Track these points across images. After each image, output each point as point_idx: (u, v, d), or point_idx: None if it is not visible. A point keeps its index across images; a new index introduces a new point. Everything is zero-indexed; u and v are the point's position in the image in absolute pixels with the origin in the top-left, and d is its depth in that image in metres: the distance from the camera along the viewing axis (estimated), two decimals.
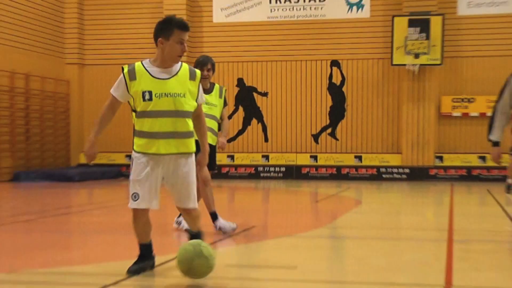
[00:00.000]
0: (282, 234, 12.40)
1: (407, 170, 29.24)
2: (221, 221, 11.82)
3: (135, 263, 7.55)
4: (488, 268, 8.58)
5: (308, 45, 30.18)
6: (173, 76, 7.32)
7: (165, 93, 7.20)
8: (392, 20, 28.72)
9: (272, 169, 30.16)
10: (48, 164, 29.81)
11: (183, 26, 7.22)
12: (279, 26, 30.45)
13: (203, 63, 11.58)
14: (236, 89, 30.81)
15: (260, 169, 30.24)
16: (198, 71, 7.69)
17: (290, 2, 30.41)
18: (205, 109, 10.68)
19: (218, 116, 11.72)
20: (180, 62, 7.43)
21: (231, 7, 30.73)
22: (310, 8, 30.36)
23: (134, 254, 7.96)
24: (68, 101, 31.19)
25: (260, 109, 30.73)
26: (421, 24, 28.38)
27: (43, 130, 29.75)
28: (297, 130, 30.54)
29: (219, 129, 11.85)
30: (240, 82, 30.83)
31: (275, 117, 30.73)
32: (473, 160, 28.45)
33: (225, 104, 12.04)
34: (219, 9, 30.85)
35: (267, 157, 30.31)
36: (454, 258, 9.34)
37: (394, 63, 28.89)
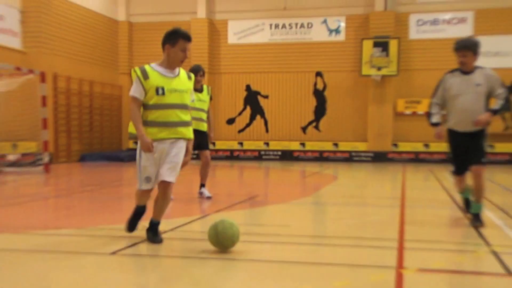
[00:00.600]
0: (279, 201, 12.43)
1: (371, 154, 29.22)
2: (204, 190, 12.25)
3: (134, 219, 7.39)
4: (430, 226, 8.67)
5: (299, 60, 30.19)
6: (176, 76, 7.08)
7: (174, 89, 6.96)
8: (361, 42, 28.71)
9: (271, 152, 30.13)
10: (106, 148, 29.85)
11: (186, 37, 6.99)
12: (277, 46, 30.42)
13: (197, 70, 11.73)
14: (245, 93, 30.86)
15: (262, 152, 30.21)
16: (192, 74, 7.50)
17: (286, 28, 30.36)
18: (198, 104, 11.60)
19: (206, 108, 12.01)
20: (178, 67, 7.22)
21: (241, 32, 30.71)
22: (301, 33, 30.31)
23: (167, 213, 8.05)
24: (120, 101, 31.22)
25: (263, 108, 30.73)
26: (382, 45, 28.38)
27: (102, 123, 29.83)
28: (290, 124, 30.53)
29: (207, 117, 12.19)
30: (248, 87, 30.83)
31: (273, 114, 30.72)
32: (419, 147, 28.44)
33: (211, 99, 12.36)
34: (233, 33, 30.82)
35: (267, 144, 30.28)
36: (405, 219, 9.46)
37: (362, 74, 28.86)
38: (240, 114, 31.11)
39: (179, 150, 7.15)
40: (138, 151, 7.11)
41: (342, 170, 22.58)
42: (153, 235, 7.19)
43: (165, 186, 7.10)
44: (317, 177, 19.45)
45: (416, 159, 28.51)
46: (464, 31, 28.45)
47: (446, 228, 9.15)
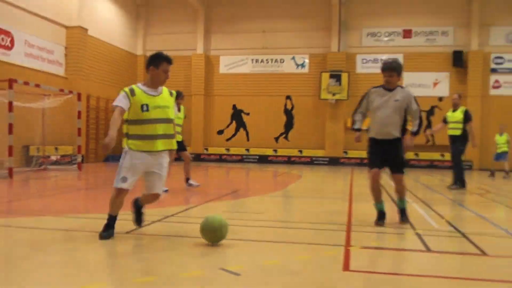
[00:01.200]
0: (256, 194, 12.44)
1: (327, 159, 29.25)
2: (192, 181, 12.55)
3: (105, 230, 6.19)
4: (371, 215, 8.66)
5: (273, 86, 30.24)
6: (159, 94, 6.31)
7: (158, 105, 6.19)
8: (320, 74, 28.84)
9: (251, 157, 30.07)
10: None
11: (168, 60, 6.35)
12: (257, 75, 30.46)
13: (178, 95, 11.78)
14: (232, 111, 30.83)
15: (244, 157, 30.15)
16: (174, 91, 6.74)
17: (264, 62, 30.45)
18: (176, 120, 11.51)
19: (181, 123, 12.17)
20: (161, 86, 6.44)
21: (230, 64, 30.73)
22: (275, 66, 30.38)
23: (168, 202, 7.97)
24: None
25: (245, 122, 30.71)
26: (336, 76, 28.54)
27: (121, 131, 29.53)
28: (266, 135, 30.50)
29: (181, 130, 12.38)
30: (234, 106, 30.78)
31: (253, 127, 30.68)
32: (364, 154, 28.37)
33: (185, 117, 12.53)
34: (224, 65, 30.82)
35: (248, 150, 30.26)
36: (352, 209, 9.48)
37: (321, 98, 28.97)
38: (227, 127, 31.03)
39: (164, 162, 6.41)
40: (123, 153, 6.32)
41: (305, 171, 22.60)
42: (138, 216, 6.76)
43: (155, 196, 6.52)
44: (286, 176, 19.45)
45: (362, 163, 28.39)
46: None
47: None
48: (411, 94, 7.67)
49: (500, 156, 21.72)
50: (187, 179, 12.54)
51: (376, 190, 7.76)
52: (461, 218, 8.95)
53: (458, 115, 14.07)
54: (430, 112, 28.41)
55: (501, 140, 21.75)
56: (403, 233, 6.99)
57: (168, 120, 6.30)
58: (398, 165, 7.73)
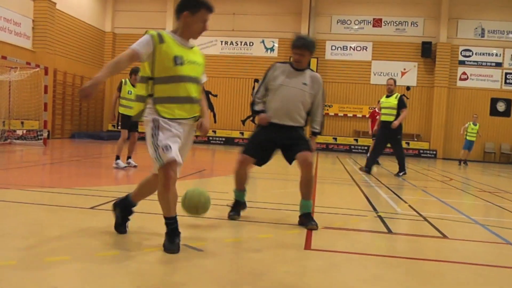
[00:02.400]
0: (221, 174, 12.47)
1: None
2: (131, 161, 12.27)
3: (171, 240, 4.61)
4: (334, 197, 8.75)
5: (242, 69, 30.19)
6: (191, 48, 4.80)
7: (192, 60, 4.69)
8: (289, 59, 28.65)
9: (217, 138, 30.03)
10: (90, 129, 29.49)
11: (210, 8, 4.90)
12: (226, 57, 30.35)
13: (137, 71, 11.71)
14: None
15: (211, 138, 30.09)
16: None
17: (233, 44, 30.36)
18: (132, 96, 11.38)
19: None
20: None
21: (199, 45, 29.68)
22: (244, 49, 30.32)
23: (134, 180, 7.93)
24: (103, 93, 30.70)
25: (213, 104, 30.57)
26: None
27: (89, 109, 29.45)
28: (233, 117, 30.50)
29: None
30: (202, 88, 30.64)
31: (221, 109, 30.58)
32: (329, 140, 28.69)
33: None
34: None
35: (215, 131, 30.21)
36: (316, 191, 9.54)
37: None
38: None
39: (192, 135, 4.98)
40: (150, 126, 4.54)
41: None
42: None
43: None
44: None
45: (327, 148, 28.76)
46: (365, 55, 29.01)
47: (346, 198, 9.25)
48: (321, 82, 6.43)
49: (471, 144, 22.66)
50: (128, 157, 12.34)
51: (242, 175, 6.66)
52: (424, 203, 9.09)
53: (392, 100, 13.80)
54: None
55: (474, 129, 22.57)
56: (366, 216, 7.08)
57: (200, 82, 4.88)
58: (303, 143, 6.22)
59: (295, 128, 6.29)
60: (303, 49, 6.24)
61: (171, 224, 4.68)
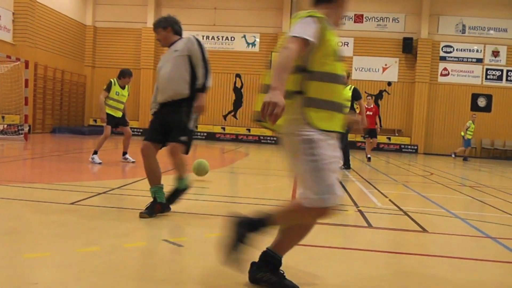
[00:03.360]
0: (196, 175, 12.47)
1: (275, 138, 29.35)
2: (128, 157, 12.38)
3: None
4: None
5: (223, 64, 30.05)
6: None
7: (342, 56, 3.50)
8: (271, 54, 28.81)
9: (199, 134, 29.87)
10: (71, 124, 29.20)
11: None
12: (207, 52, 30.26)
13: (130, 74, 12.17)
14: None
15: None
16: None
17: (214, 39, 30.24)
18: (121, 98, 11.96)
19: (125, 101, 12.36)
20: None
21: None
22: (225, 43, 30.24)
23: (114, 175, 7.90)
24: (84, 87, 30.49)
25: None
26: None
27: (70, 103, 29.13)
28: (215, 112, 30.38)
29: (124, 107, 12.42)
30: None
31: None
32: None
33: (128, 95, 12.45)
34: None
35: (196, 126, 30.11)
36: (297, 185, 9.55)
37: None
38: None
39: None
40: (306, 140, 3.29)
41: (252, 149, 22.72)
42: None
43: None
44: (233, 154, 19.50)
45: None
46: (347, 51, 29.11)
47: None
48: (192, 39, 6.17)
49: (470, 142, 24.61)
50: (124, 153, 12.43)
51: (150, 170, 6.15)
52: (404, 198, 9.15)
53: (346, 92, 13.21)
54: (379, 96, 28.86)
55: (472, 128, 24.44)
56: (346, 210, 7.11)
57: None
58: (176, 132, 6.06)
59: (177, 103, 6.02)
60: (155, 30, 6.31)
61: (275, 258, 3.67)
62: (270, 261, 3.64)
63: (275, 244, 3.69)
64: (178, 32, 6.39)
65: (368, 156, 17.97)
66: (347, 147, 13.78)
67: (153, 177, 6.10)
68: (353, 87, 13.53)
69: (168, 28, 6.29)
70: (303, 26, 3.25)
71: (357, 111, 13.75)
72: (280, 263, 3.65)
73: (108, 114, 11.97)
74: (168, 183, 6.19)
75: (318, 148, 3.26)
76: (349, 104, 13.15)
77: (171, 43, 6.26)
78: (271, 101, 2.96)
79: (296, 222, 3.59)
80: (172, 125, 6.03)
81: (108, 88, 12.00)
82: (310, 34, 3.21)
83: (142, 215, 5.76)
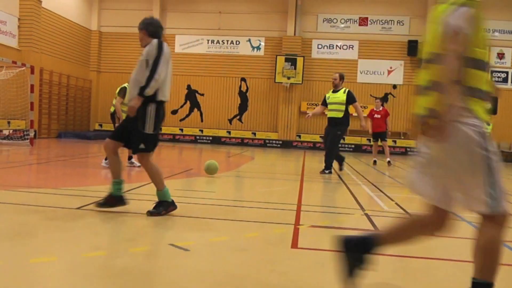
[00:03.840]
0: (207, 174, 12.46)
1: (280, 142, 29.44)
2: (133, 160, 12.19)
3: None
4: (320, 195, 8.77)
5: (228, 68, 30.14)
6: None
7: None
8: (276, 58, 28.86)
9: (204, 137, 30.00)
10: (77, 128, 29.29)
11: None
12: (212, 56, 30.32)
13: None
14: (186, 91, 30.64)
15: (198, 137, 30.07)
16: None
17: (219, 43, 30.30)
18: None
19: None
20: None
21: (185, 44, 30.45)
22: (230, 47, 30.27)
23: (133, 179, 7.90)
24: (90, 92, 30.59)
25: (199, 103, 30.60)
26: (291, 60, 28.55)
27: (75, 108, 29.24)
28: (220, 116, 30.47)
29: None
30: (189, 86, 30.57)
31: (207, 108, 30.57)
32: (316, 138, 28.75)
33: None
34: (179, 45, 30.48)
35: (202, 130, 30.20)
36: (303, 189, 9.54)
37: (276, 81, 29.00)
38: (181, 106, 30.80)
39: None
40: (481, 152, 2.93)
41: (258, 153, 22.69)
42: None
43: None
44: (239, 157, 19.49)
45: (314, 147, 28.84)
46: (352, 54, 29.10)
47: (333, 196, 9.28)
48: (154, 43, 6.17)
49: None
50: (130, 157, 12.31)
51: (112, 163, 6.28)
52: (411, 201, 9.10)
53: (340, 95, 12.95)
54: (384, 99, 28.80)
55: (489, 129, 23.50)
56: (352, 214, 7.08)
57: None
58: (135, 142, 6.11)
59: (140, 107, 6.04)
60: (139, 31, 6.37)
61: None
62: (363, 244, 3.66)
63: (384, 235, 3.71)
64: (153, 35, 6.33)
65: (388, 160, 17.46)
66: (332, 149, 13.14)
67: (112, 171, 6.26)
68: (347, 90, 13.10)
69: (143, 30, 6.34)
70: (460, 17, 2.96)
71: (354, 114, 13.55)
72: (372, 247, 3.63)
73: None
74: (174, 187, 6.17)
75: (494, 156, 2.96)
76: (343, 108, 12.82)
77: (145, 45, 6.26)
78: (440, 127, 2.80)
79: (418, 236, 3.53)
80: (131, 132, 6.12)
81: (124, 93, 11.93)
82: (467, 27, 2.93)
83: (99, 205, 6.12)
